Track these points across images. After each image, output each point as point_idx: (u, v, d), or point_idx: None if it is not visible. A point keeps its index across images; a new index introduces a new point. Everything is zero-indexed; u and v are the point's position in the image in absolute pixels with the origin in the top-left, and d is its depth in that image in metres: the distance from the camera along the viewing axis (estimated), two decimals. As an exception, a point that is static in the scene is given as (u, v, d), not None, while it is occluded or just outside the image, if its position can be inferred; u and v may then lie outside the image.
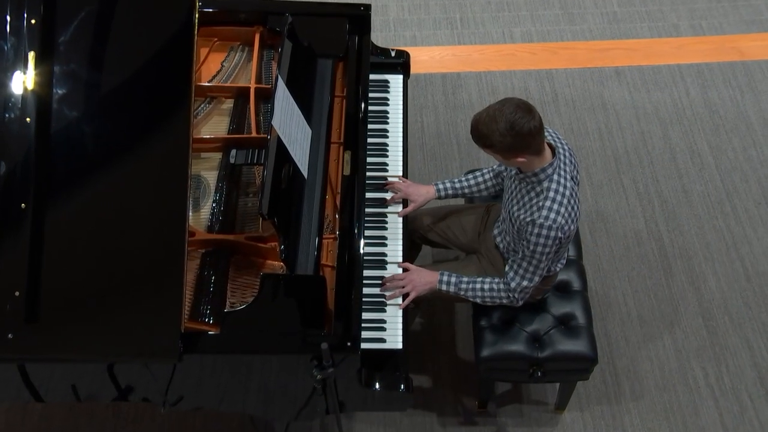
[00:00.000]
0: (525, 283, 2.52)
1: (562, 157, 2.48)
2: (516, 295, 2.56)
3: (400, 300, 2.58)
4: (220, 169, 2.70)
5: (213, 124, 2.82)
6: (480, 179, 2.82)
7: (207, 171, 2.72)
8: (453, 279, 2.61)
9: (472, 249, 2.90)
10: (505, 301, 2.58)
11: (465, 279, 2.61)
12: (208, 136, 2.75)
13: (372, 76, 2.96)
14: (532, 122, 2.30)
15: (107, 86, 2.60)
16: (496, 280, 2.59)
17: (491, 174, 2.82)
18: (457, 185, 2.82)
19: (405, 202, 2.80)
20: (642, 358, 3.25)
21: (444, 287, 2.61)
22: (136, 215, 2.41)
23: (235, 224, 2.61)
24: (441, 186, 2.82)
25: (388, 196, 2.79)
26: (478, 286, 2.59)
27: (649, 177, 3.76)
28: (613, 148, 3.86)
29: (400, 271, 2.63)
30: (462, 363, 3.23)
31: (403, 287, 2.57)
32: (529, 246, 2.44)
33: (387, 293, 2.56)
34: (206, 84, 2.85)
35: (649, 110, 3.99)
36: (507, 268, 2.57)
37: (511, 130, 2.28)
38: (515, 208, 2.50)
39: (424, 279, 2.59)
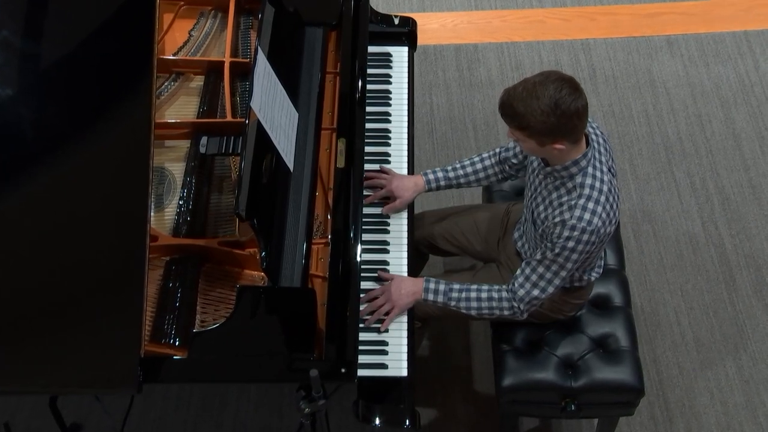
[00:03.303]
0: (536, 292, 2.53)
1: (596, 146, 2.51)
2: (522, 306, 2.56)
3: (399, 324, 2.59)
4: (188, 160, 2.74)
5: (179, 106, 2.87)
6: (479, 166, 2.84)
7: (172, 162, 2.76)
8: (441, 287, 2.61)
9: (489, 257, 2.94)
10: (506, 313, 2.59)
11: (456, 286, 2.61)
12: (173, 121, 2.80)
13: (371, 49, 3.00)
14: (579, 101, 2.33)
15: (49, 59, 2.64)
16: (496, 287, 2.59)
17: (493, 159, 2.83)
18: (451, 174, 2.84)
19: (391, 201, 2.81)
20: (699, 389, 3.29)
21: (431, 297, 2.61)
22: (85, 216, 2.46)
23: (207, 226, 2.66)
24: (432, 177, 2.84)
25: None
26: (473, 295, 2.60)
27: (707, 169, 3.81)
28: (663, 135, 3.90)
29: (379, 285, 2.63)
30: (479, 394, 3.27)
31: (382, 306, 2.58)
32: (554, 249, 2.46)
33: (365, 316, 2.57)
34: (171, 57, 2.90)
35: (708, 88, 4.03)
36: (518, 271, 2.57)
37: (555, 109, 2.30)
38: (540, 208, 2.53)
39: (406, 289, 2.58)
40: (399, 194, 2.78)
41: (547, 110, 2.30)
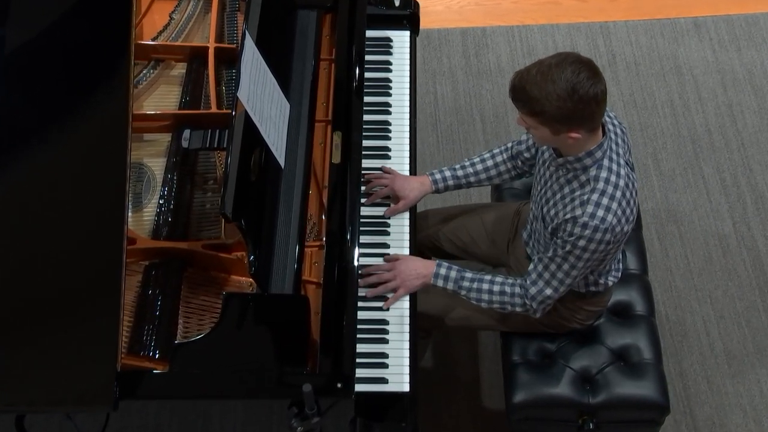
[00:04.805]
0: (548, 291, 2.58)
1: (613, 136, 2.53)
2: (534, 305, 2.61)
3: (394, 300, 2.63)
4: (168, 155, 2.76)
5: (159, 96, 2.88)
6: (490, 163, 2.86)
7: (151, 158, 2.78)
8: (453, 273, 2.67)
9: (498, 261, 2.97)
10: (518, 309, 2.64)
11: (468, 275, 2.67)
12: (152, 112, 2.81)
13: (370, 33, 3.02)
14: (598, 86, 2.35)
15: (13, 44, 2.65)
16: (510, 280, 2.65)
17: (505, 155, 2.86)
18: (460, 173, 2.86)
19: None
20: (731, 406, 3.31)
21: (440, 283, 2.67)
22: (55, 218, 2.48)
23: (190, 228, 2.67)
24: (438, 176, 2.86)
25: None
26: (486, 286, 2.65)
27: (738, 164, 3.82)
28: (690, 127, 3.92)
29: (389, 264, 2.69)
30: (488, 411, 3.29)
31: (389, 281, 2.64)
32: (565, 246, 2.49)
33: (367, 290, 2.63)
34: (150, 42, 2.92)
35: (739, 75, 4.05)
36: (531, 266, 2.62)
37: (572, 94, 2.31)
38: (550, 203, 2.56)
39: (416, 271, 2.65)
40: (403, 195, 2.79)
41: (564, 95, 2.32)
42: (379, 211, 2.81)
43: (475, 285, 2.66)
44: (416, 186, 2.81)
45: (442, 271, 2.67)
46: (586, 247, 2.47)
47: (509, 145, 2.86)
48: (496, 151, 2.87)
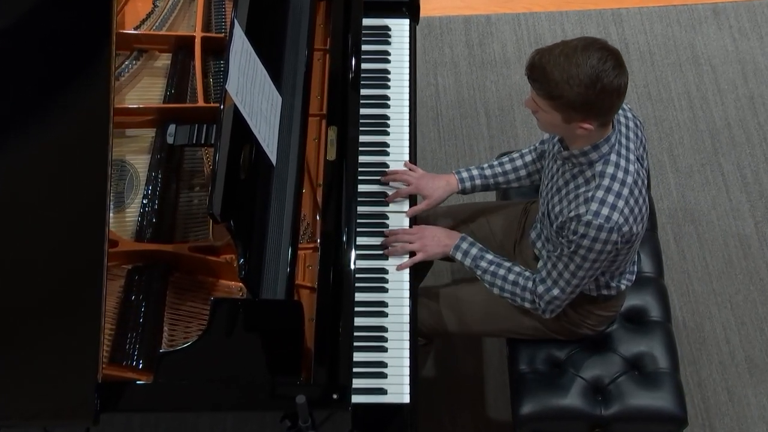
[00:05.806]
0: (555, 291, 2.61)
1: (623, 130, 2.54)
2: (542, 304, 2.65)
3: (406, 263, 2.70)
4: (152, 152, 2.77)
5: (142, 89, 2.89)
6: (518, 163, 2.88)
7: (134, 155, 2.78)
8: (474, 250, 2.74)
9: (504, 262, 2.98)
10: (527, 304, 2.69)
11: (489, 257, 2.74)
12: (135, 106, 2.81)
13: (367, 21, 3.02)
14: (621, 78, 2.37)
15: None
16: (527, 273, 2.69)
17: (534, 155, 2.88)
18: (488, 172, 2.88)
19: (415, 200, 2.86)
20: (753, 418, 3.31)
21: (459, 256, 2.75)
22: (31, 218, 2.48)
23: (175, 230, 2.68)
24: (465, 174, 2.88)
25: (390, 190, 2.85)
26: (501, 272, 2.71)
27: (761, 160, 3.82)
28: (709, 120, 3.92)
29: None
30: (493, 423, 3.29)
31: (411, 243, 2.71)
32: (570, 245, 2.51)
33: (389, 247, 2.72)
34: (132, 32, 2.92)
35: (761, 65, 4.05)
36: (540, 264, 2.67)
37: (595, 82, 2.33)
38: (555, 199, 2.57)
39: (439, 239, 2.75)
40: (427, 194, 2.82)
41: (587, 81, 2.33)
42: (378, 210, 2.82)
43: (492, 268, 2.72)
44: (441, 185, 2.84)
45: (464, 245, 2.74)
46: (591, 247, 2.48)
47: (535, 145, 2.88)
48: (524, 151, 2.90)
